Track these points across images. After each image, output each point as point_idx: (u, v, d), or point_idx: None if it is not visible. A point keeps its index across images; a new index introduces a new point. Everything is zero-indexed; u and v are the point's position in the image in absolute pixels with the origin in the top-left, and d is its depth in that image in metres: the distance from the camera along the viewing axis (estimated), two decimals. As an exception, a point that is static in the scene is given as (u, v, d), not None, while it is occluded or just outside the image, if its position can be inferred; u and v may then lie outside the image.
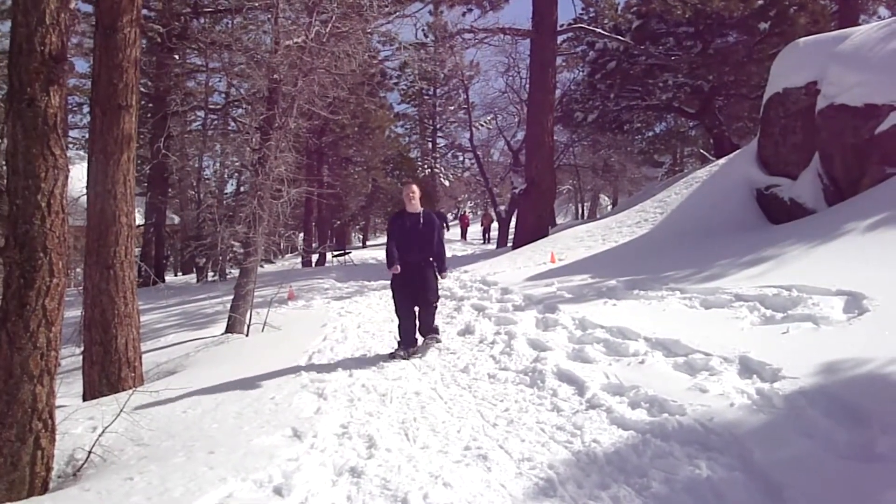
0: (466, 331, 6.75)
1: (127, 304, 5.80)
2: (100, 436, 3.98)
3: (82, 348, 5.98)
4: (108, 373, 5.67)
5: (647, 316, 5.77)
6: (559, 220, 30.17)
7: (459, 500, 2.94)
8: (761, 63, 16.01)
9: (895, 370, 3.42)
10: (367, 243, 38.53)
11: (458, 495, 2.98)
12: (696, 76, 18.22)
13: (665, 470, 2.99)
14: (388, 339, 6.82)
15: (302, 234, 21.06)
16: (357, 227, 38.31)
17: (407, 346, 5.91)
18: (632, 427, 3.51)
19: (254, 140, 10.27)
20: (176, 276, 26.73)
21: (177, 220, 24.93)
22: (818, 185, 8.40)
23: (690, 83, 18.49)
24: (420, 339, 6.09)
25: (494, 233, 27.18)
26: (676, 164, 29.92)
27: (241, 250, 9.97)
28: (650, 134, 25.09)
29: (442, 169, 33.82)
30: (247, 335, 8.36)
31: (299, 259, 24.09)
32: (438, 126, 33.84)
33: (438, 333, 6.23)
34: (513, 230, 19.24)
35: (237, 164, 19.31)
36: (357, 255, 24.70)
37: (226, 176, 23.82)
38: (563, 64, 23.59)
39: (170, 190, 21.13)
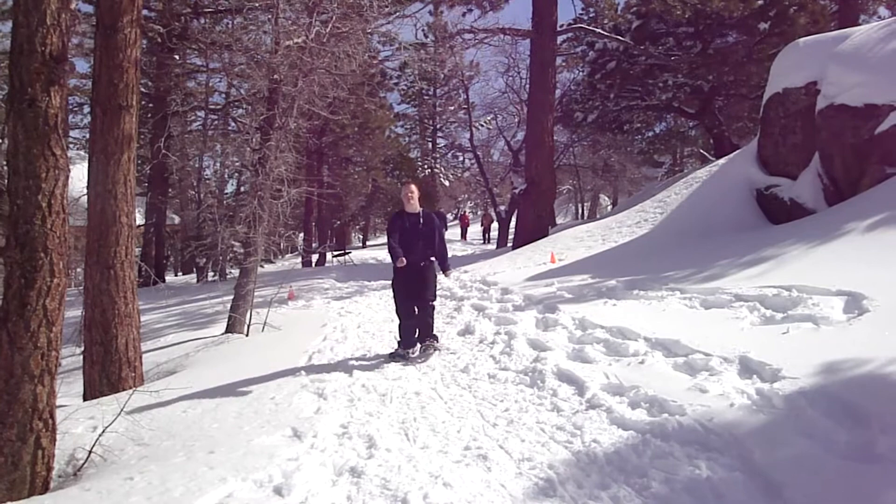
0: (466, 331, 6.75)
1: (127, 304, 5.81)
2: (100, 435, 3.98)
3: (83, 348, 5.99)
4: (109, 373, 5.68)
5: (647, 316, 5.77)
6: (559, 220, 30.13)
7: (459, 500, 2.94)
8: (761, 63, 16.01)
9: (895, 370, 3.43)
10: (367, 243, 38.53)
11: (458, 495, 2.98)
12: (696, 76, 18.22)
13: (665, 470, 3.00)
14: (388, 339, 6.82)
15: (302, 234, 21.08)
16: (357, 227, 38.32)
17: (407, 347, 5.91)
18: (632, 427, 3.52)
19: (254, 140, 10.27)
20: (176, 276, 26.74)
21: (177, 220, 24.95)
22: (818, 185, 8.40)
23: (690, 83, 18.50)
24: (418, 346, 5.98)
25: (494, 233, 27.19)
26: (676, 164, 29.91)
27: (241, 250, 9.98)
28: (650, 134, 25.07)
29: (442, 169, 33.82)
30: (247, 335, 8.36)
31: (299, 259, 24.11)
32: (438, 126, 33.84)
33: (438, 341, 6.10)
34: (513, 230, 19.24)
35: (237, 164, 19.29)
36: (357, 255, 24.72)
37: (226, 176, 23.82)
38: (563, 64, 23.59)
39: (170, 190, 21.13)
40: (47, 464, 3.58)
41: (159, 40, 16.87)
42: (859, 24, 12.85)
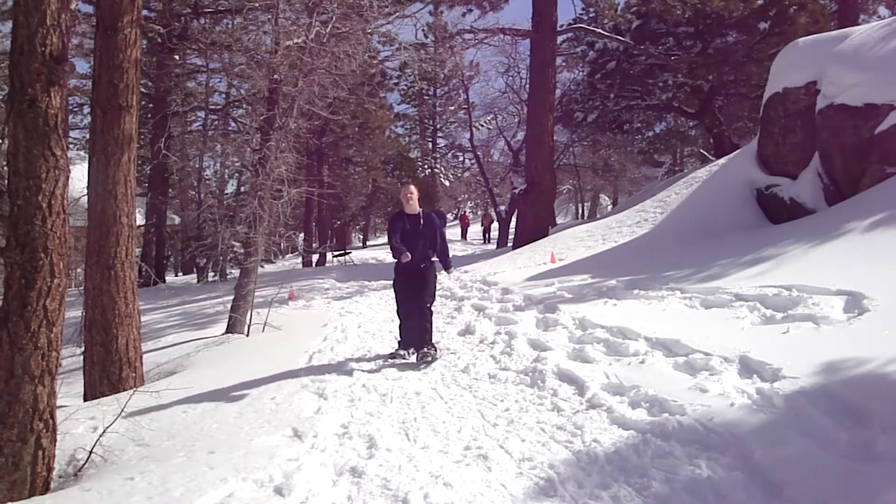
0: (467, 331, 6.75)
1: (128, 305, 5.81)
2: (101, 436, 3.98)
3: (83, 348, 5.99)
4: (109, 373, 5.68)
5: (648, 316, 5.78)
6: (559, 220, 30.10)
7: (460, 500, 2.94)
8: (761, 63, 15.99)
9: (895, 370, 3.43)
10: (368, 243, 38.54)
11: (458, 495, 2.98)
12: (696, 76, 18.21)
13: (665, 469, 3.00)
14: (389, 339, 6.82)
15: (302, 235, 21.07)
16: (357, 227, 38.33)
17: (408, 347, 5.90)
18: (632, 427, 3.52)
19: (254, 140, 10.28)
20: (176, 276, 26.74)
21: (177, 220, 24.95)
22: (818, 184, 8.40)
23: (690, 83, 18.49)
24: (414, 355, 5.75)
25: (494, 233, 27.18)
26: (676, 164, 29.88)
27: (242, 250, 9.99)
28: (650, 134, 25.06)
29: (442, 169, 33.84)
30: (247, 335, 8.36)
31: (299, 259, 24.11)
32: (438, 126, 33.86)
33: (436, 350, 5.78)
34: (513, 230, 19.24)
35: (237, 164, 19.32)
36: (357, 255, 24.73)
37: (226, 176, 23.85)
38: (563, 64, 23.58)
39: (170, 190, 21.15)
40: (48, 464, 3.58)
41: (159, 40, 16.88)
42: (859, 24, 12.85)
